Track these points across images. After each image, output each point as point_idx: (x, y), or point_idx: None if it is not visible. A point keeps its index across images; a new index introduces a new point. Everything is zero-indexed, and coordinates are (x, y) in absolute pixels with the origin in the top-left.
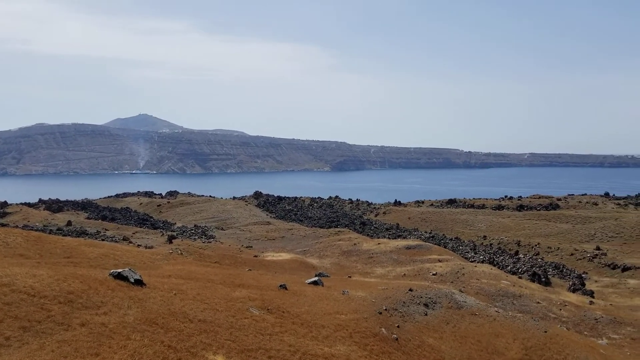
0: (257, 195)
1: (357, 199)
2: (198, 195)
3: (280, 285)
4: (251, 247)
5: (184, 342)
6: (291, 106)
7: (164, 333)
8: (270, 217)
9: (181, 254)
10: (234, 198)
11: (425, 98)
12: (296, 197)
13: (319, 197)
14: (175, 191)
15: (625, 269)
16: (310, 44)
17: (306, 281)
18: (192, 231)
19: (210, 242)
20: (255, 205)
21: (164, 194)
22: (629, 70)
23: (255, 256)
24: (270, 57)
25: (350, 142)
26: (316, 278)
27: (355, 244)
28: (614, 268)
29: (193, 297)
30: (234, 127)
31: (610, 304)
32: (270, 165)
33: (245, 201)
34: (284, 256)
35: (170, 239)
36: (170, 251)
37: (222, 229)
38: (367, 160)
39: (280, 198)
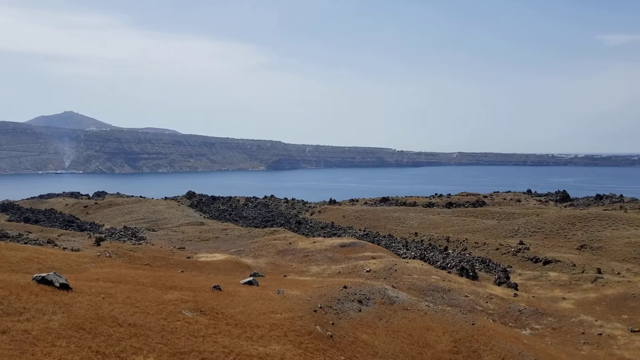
0: (190, 195)
1: (292, 198)
2: (128, 196)
3: (214, 286)
4: (184, 248)
5: (113, 347)
6: (225, 104)
7: (91, 338)
8: (204, 217)
9: (110, 256)
10: (166, 198)
11: (359, 98)
12: (231, 197)
13: (254, 197)
14: (103, 192)
15: (546, 262)
16: (243, 42)
17: (241, 281)
18: (122, 233)
19: (140, 244)
20: (188, 206)
21: (91, 195)
22: (550, 75)
23: (188, 257)
24: (202, 55)
25: (285, 141)
26: (251, 278)
27: (290, 243)
28: (536, 262)
29: (122, 301)
30: (166, 125)
31: (533, 296)
32: (203, 164)
33: (178, 201)
34: (218, 257)
35: (98, 241)
36: (98, 254)
37: (154, 230)
38: (303, 160)
39: (214, 198)
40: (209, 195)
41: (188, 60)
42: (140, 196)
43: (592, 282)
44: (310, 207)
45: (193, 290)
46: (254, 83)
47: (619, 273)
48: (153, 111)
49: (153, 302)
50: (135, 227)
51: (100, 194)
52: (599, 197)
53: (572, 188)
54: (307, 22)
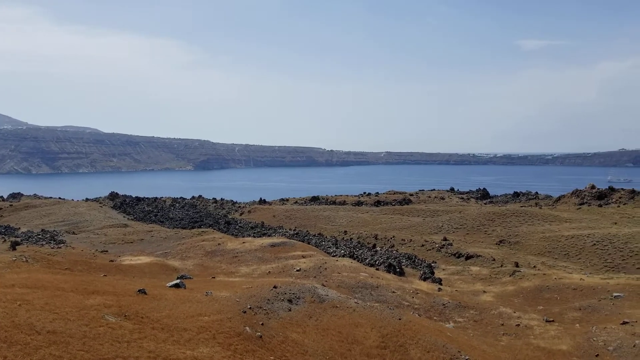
0: (113, 196)
1: (221, 198)
2: (46, 197)
3: (139, 290)
4: (107, 251)
5: (30, 356)
6: (151, 102)
7: (6, 347)
8: (128, 219)
9: (27, 261)
10: (87, 200)
11: (289, 97)
12: (156, 198)
13: (181, 197)
14: (19, 193)
15: (468, 257)
16: (170, 38)
17: (167, 284)
18: (39, 236)
19: (60, 248)
20: (111, 207)
21: (5, 197)
22: (472, 78)
23: (112, 261)
24: (127, 51)
25: (214, 141)
26: (178, 281)
27: (219, 244)
28: (458, 257)
29: (41, 307)
30: (87, 123)
31: (456, 290)
32: (127, 164)
33: (100, 203)
34: (144, 259)
35: (14, 245)
36: (14, 258)
37: (74, 233)
38: (232, 159)
39: (138, 199)
40: (133, 196)
41: (111, 56)
42: (60, 197)
43: (510, 276)
44: (239, 207)
45: (117, 294)
46: (180, 81)
47: (534, 266)
48: (73, 109)
49: (74, 308)
50: (54, 230)
51: (15, 196)
52: (516, 195)
53: (492, 186)
54: (236, 20)
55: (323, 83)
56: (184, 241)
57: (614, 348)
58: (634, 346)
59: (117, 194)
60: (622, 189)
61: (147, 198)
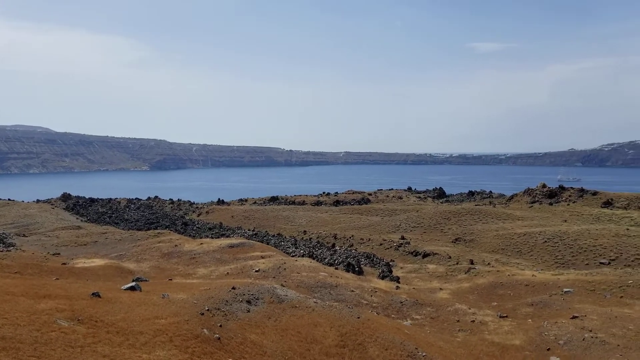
0: (66, 197)
1: (178, 199)
2: None
3: (93, 294)
4: (59, 254)
5: None
6: (105, 101)
7: None
8: (81, 220)
9: None
10: (38, 201)
11: (248, 97)
12: (111, 199)
13: (136, 198)
14: None
15: (425, 255)
16: (125, 36)
17: (122, 287)
18: None
19: (9, 251)
20: (64, 209)
21: None
22: (429, 79)
23: (64, 264)
24: (79, 48)
25: (170, 140)
26: (133, 283)
27: (176, 246)
28: (416, 255)
29: None
30: (38, 122)
31: (413, 288)
32: (80, 164)
33: (52, 204)
34: (98, 262)
35: None
36: None
37: (24, 236)
38: (189, 159)
39: (92, 200)
40: (87, 197)
41: (61, 53)
42: (9, 199)
43: (465, 273)
44: (197, 207)
45: (69, 298)
46: (136, 79)
47: (489, 263)
48: (23, 107)
49: (24, 313)
50: (3, 233)
51: None
52: (471, 194)
53: (448, 185)
54: (189, 18)
55: (282, 83)
56: (139, 243)
57: (565, 342)
58: (583, 340)
59: (69, 195)
60: (571, 187)
61: (101, 199)
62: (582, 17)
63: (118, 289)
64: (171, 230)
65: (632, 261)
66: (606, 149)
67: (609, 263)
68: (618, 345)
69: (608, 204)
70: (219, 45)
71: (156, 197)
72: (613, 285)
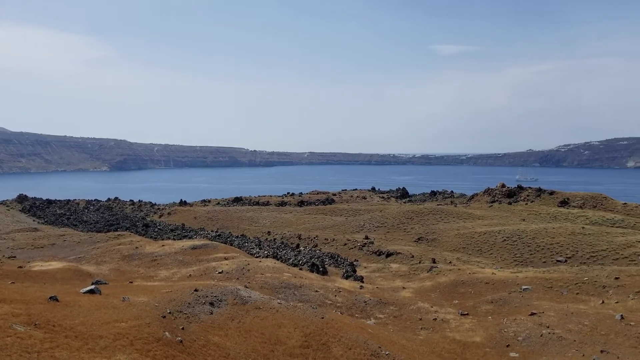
0: (22, 199)
1: (139, 200)
2: None
3: (51, 297)
4: (14, 257)
5: None
6: (63, 100)
7: None
8: (38, 222)
9: None
10: None
11: (212, 97)
12: (69, 200)
13: (95, 199)
14: None
15: (388, 254)
16: (83, 34)
17: (81, 290)
18: None
19: None
20: (19, 210)
21: None
22: (392, 80)
23: (20, 267)
24: (36, 45)
25: (131, 140)
26: (93, 286)
27: (137, 248)
28: (379, 254)
29: None
30: None
31: (377, 287)
32: (37, 165)
33: (7, 206)
34: (55, 265)
35: None
36: None
37: None
38: (151, 159)
39: (49, 201)
40: (44, 199)
41: (19, 50)
42: None
43: (428, 272)
44: (159, 209)
45: (26, 302)
46: (96, 78)
47: (450, 262)
48: None
49: None
50: None
51: None
52: (433, 193)
53: (411, 185)
54: (153, 17)
55: (246, 83)
56: (99, 245)
57: (523, 338)
58: (541, 336)
59: (26, 196)
60: (529, 187)
61: (59, 201)
62: (540, 21)
63: (77, 292)
64: (132, 232)
65: (588, 259)
66: (563, 150)
67: (566, 261)
68: (574, 340)
69: (564, 203)
70: (180, 45)
71: (116, 198)
72: (569, 283)
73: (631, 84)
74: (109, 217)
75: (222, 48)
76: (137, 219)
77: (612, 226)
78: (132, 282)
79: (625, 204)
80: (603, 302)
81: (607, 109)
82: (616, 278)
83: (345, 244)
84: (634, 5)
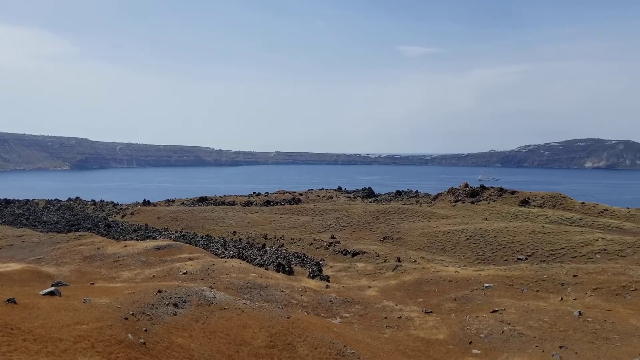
0: None
1: (101, 200)
2: None
3: (8, 300)
4: None
5: None
6: (22, 97)
7: None
8: None
9: None
10: None
11: (176, 95)
12: (28, 200)
13: (56, 199)
14: None
15: (354, 254)
16: (42, 28)
17: (40, 292)
18: None
19: None
20: None
21: None
22: (358, 81)
23: None
24: None
25: (93, 139)
26: (53, 288)
27: (99, 248)
28: (345, 254)
29: None
30: None
31: (343, 286)
32: None
33: None
34: (13, 266)
35: None
36: None
37: None
38: (113, 159)
39: (7, 201)
40: (2, 199)
41: None
42: None
43: (393, 270)
44: (121, 208)
45: None
46: (56, 74)
47: (415, 261)
48: None
49: None
50: None
51: None
52: (398, 193)
53: (376, 185)
54: (117, 13)
55: (213, 82)
56: (59, 246)
57: (485, 335)
58: (502, 332)
59: None
60: (491, 187)
61: (17, 200)
62: (503, 24)
63: (36, 294)
64: (93, 233)
65: (547, 257)
66: (524, 151)
67: (526, 259)
68: (534, 336)
69: (525, 202)
70: (144, 43)
71: (77, 198)
72: (530, 280)
73: (590, 87)
74: (70, 218)
75: (186, 46)
76: (99, 219)
77: (571, 225)
78: (93, 284)
79: (583, 203)
80: (562, 299)
81: (567, 111)
82: (574, 275)
83: (311, 244)
84: (593, 10)
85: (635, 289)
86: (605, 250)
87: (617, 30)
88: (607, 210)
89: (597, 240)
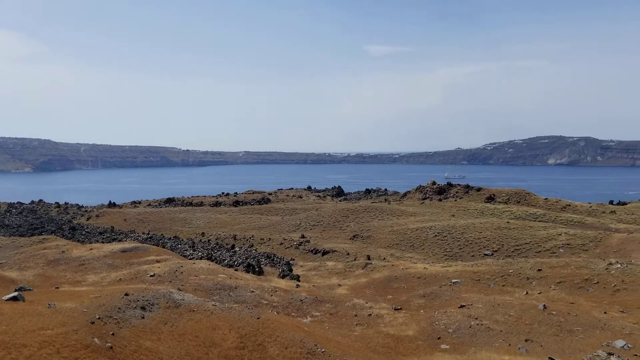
0: None
1: (65, 203)
2: None
3: None
4: None
5: None
6: None
7: None
8: None
9: None
10: None
11: (142, 95)
12: None
13: (18, 202)
14: None
15: (324, 252)
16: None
17: (3, 298)
18: None
19: None
20: None
21: None
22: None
23: None
24: None
25: (56, 140)
26: (16, 293)
27: (63, 252)
28: (315, 253)
29: None
30: None
31: (313, 285)
32: None
33: None
34: None
35: None
36: None
37: None
38: (77, 160)
39: None
40: None
41: None
42: None
43: (363, 268)
44: (86, 211)
45: None
46: (18, 75)
47: (384, 258)
48: None
49: None
50: None
51: None
52: (367, 191)
53: (346, 184)
54: (79, 13)
55: (180, 82)
56: (22, 250)
57: (454, 330)
58: (470, 327)
59: None
60: (458, 184)
61: None
62: (469, 23)
63: None
64: (58, 236)
65: (512, 252)
66: (489, 148)
67: (492, 254)
68: (501, 330)
69: (491, 199)
70: (108, 41)
71: (40, 200)
72: (496, 275)
73: (552, 86)
74: (33, 221)
75: (151, 44)
76: (64, 222)
77: (535, 220)
78: (58, 288)
79: (546, 199)
80: (527, 293)
81: (531, 109)
82: (539, 270)
83: (281, 244)
84: (555, 12)
85: (597, 282)
86: (568, 244)
87: (577, 31)
88: (569, 205)
89: (560, 235)
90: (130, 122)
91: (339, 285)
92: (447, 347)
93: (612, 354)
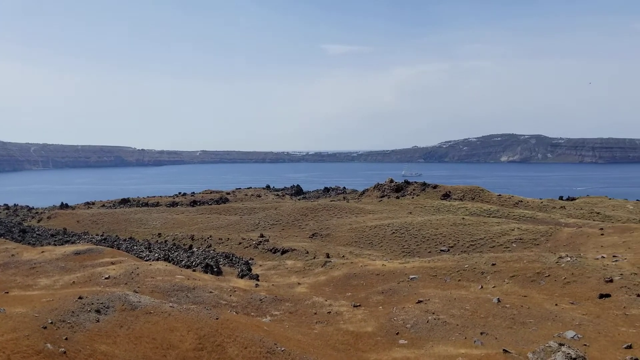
0: None
1: (15, 204)
2: None
3: None
4: None
5: None
6: None
7: None
8: None
9: None
10: None
11: (94, 94)
12: None
13: None
14: None
15: (284, 251)
16: None
17: None
18: None
19: None
20: None
21: None
22: (283, 79)
23: None
24: None
25: (4, 140)
26: None
27: (13, 255)
28: (275, 252)
29: None
30: None
31: (273, 285)
32: None
33: None
34: None
35: None
36: None
37: None
38: (27, 160)
39: None
40: None
41: None
42: None
43: (322, 267)
44: (37, 213)
45: None
46: None
47: (343, 256)
48: None
49: None
50: None
51: None
52: (326, 190)
53: (305, 182)
54: (29, 3)
55: (135, 80)
56: None
57: (411, 325)
58: (427, 322)
59: None
60: (415, 182)
61: None
62: (422, 22)
63: None
64: (7, 239)
65: (468, 247)
66: (444, 146)
67: (448, 250)
68: (457, 324)
69: (447, 196)
70: (57, 40)
71: None
72: (452, 270)
73: (503, 85)
74: None
75: (104, 43)
76: (13, 225)
77: (489, 216)
78: (8, 293)
79: (499, 195)
80: (482, 287)
81: (483, 107)
82: (493, 264)
83: (240, 243)
84: (508, 11)
85: (549, 275)
86: (520, 239)
87: (527, 30)
88: (521, 201)
89: (513, 230)
90: (82, 121)
91: (299, 283)
92: (405, 342)
93: (563, 345)
